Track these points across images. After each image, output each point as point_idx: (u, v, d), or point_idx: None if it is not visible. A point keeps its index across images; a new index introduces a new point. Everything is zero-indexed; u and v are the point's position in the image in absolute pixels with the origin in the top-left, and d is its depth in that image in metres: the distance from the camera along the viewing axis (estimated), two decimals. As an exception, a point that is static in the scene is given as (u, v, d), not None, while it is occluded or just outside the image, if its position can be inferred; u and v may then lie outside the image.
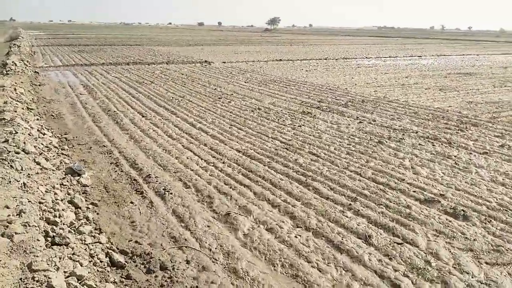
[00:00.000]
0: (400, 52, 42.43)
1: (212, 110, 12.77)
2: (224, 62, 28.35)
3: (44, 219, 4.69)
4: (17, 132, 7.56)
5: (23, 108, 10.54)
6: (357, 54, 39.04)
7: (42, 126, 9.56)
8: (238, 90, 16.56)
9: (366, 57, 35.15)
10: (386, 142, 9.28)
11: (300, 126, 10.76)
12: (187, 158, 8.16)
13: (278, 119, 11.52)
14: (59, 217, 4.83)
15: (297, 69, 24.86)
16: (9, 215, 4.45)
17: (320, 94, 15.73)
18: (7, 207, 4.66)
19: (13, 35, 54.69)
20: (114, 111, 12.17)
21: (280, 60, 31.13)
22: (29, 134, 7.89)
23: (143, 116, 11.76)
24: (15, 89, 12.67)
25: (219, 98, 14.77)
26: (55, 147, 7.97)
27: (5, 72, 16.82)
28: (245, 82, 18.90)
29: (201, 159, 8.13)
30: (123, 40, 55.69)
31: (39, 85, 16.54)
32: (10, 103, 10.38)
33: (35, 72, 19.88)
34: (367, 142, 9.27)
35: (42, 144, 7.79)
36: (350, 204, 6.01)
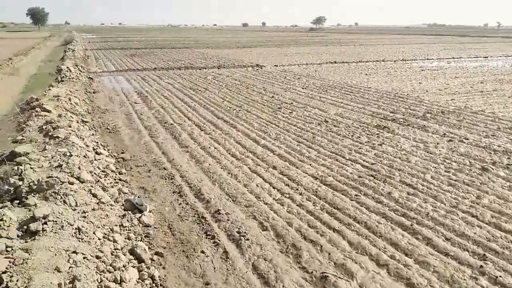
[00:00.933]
0: (462, 53, 39.38)
1: (273, 122, 11.62)
2: (276, 66, 27.21)
3: (103, 288, 3.70)
4: (71, 155, 6.77)
5: (77, 121, 9.91)
6: (415, 55, 36.57)
7: (97, 143, 8.82)
8: (297, 98, 15.32)
9: (427, 59, 32.72)
10: (493, 169, 7.69)
11: (380, 144, 9.36)
12: (257, 186, 7.04)
13: (352, 135, 10.17)
14: (120, 283, 3.84)
15: (355, 73, 23.23)
16: (60, 285, 3.49)
17: (390, 103, 14.16)
18: (58, 270, 3.72)
19: (67, 38, 56.64)
20: (171, 124, 11.33)
21: (335, 62, 29.51)
22: (84, 156, 7.10)
23: (201, 130, 10.82)
24: (69, 99, 12.17)
25: (278, 107, 13.61)
26: (112, 171, 7.12)
27: (60, 79, 16.61)
28: (303, 89, 17.63)
29: (273, 187, 6.98)
30: (172, 43, 56.09)
31: (93, 93, 16.16)
32: (65, 116, 9.76)
33: (89, 78, 19.70)
34: (469, 169, 7.73)
35: (99, 168, 6.96)
36: (481, 267, 4.61)
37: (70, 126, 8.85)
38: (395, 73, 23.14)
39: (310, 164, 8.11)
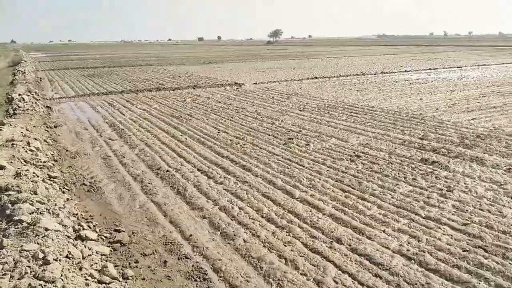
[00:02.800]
0: (432, 63, 39.23)
1: (294, 160, 9.40)
2: (255, 83, 25.11)
3: None
4: (48, 260, 4.18)
5: (44, 180, 7.19)
6: (389, 67, 35.85)
7: (77, 215, 6.18)
8: (302, 124, 13.21)
9: (405, 71, 31.92)
10: None
11: (448, 190, 7.33)
12: (335, 282, 4.74)
13: (404, 177, 8.12)
14: None
15: (345, 89, 21.57)
16: None
17: (411, 126, 12.36)
18: None
19: (15, 59, 51.83)
20: (167, 171, 8.79)
21: (315, 77, 27.87)
22: (67, 256, 4.50)
23: (209, 177, 8.39)
24: (28, 142, 9.33)
25: (289, 138, 11.40)
26: (113, 278, 4.54)
27: (12, 111, 13.54)
28: (300, 111, 15.59)
29: (361, 284, 4.71)
30: (131, 60, 52.73)
31: (55, 127, 13.23)
32: (26, 174, 7.02)
33: (47, 106, 16.61)
34: None
35: (92, 276, 4.38)
36: None
37: (35, 193, 6.16)
38: (385, 88, 21.71)
39: (383, 231, 5.94)
